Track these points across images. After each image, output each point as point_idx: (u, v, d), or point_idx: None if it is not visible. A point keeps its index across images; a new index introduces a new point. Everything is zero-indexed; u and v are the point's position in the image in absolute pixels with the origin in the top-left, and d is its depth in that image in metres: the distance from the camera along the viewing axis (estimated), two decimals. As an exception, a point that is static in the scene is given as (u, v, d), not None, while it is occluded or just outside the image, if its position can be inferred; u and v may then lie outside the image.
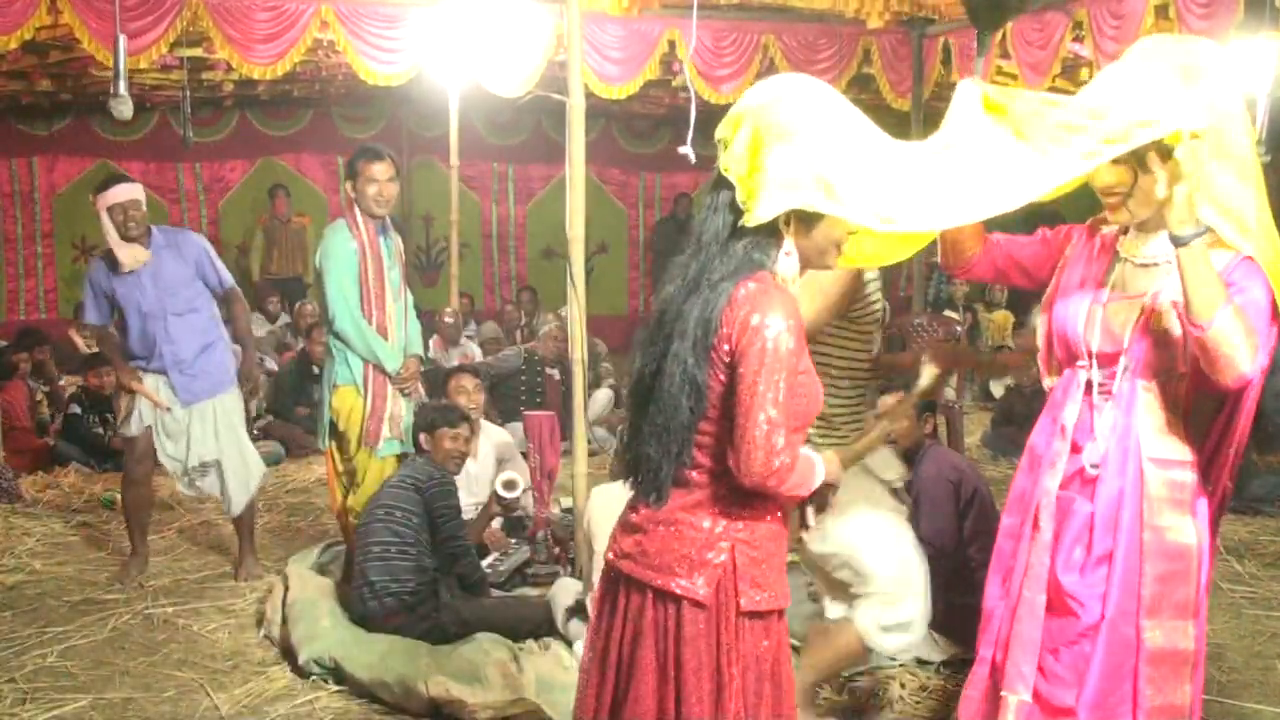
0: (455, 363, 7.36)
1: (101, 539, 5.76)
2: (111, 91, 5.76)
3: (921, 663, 4.03)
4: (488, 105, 9.05)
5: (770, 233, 2.06)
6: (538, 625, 4.20)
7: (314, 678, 3.91)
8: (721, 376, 2.04)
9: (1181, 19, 5.68)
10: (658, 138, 12.92)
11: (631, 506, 2.19)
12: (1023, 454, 2.63)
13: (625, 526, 2.20)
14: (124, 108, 5.68)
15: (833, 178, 1.99)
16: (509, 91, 7.17)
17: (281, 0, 6.73)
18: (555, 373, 7.85)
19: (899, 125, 5.99)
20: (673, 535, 2.10)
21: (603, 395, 8.11)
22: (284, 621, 4.27)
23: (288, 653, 4.12)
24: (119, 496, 6.38)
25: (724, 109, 2.15)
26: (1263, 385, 2.37)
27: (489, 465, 5.51)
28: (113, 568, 5.24)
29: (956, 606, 3.99)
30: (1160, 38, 2.43)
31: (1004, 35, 7.00)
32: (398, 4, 6.99)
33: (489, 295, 12.49)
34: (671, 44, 7.41)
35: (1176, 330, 2.31)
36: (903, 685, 3.87)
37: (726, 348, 2.02)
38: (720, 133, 2.10)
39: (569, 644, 4.07)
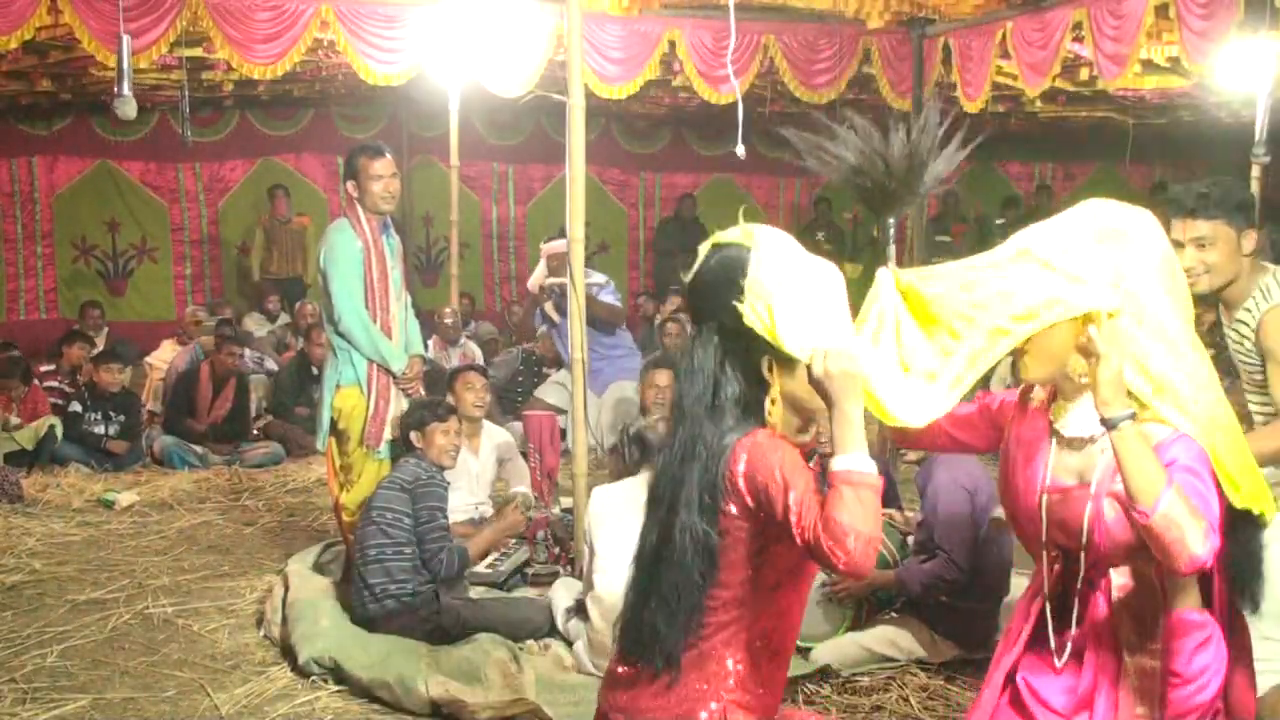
0: (455, 363, 7.35)
1: (101, 539, 5.75)
2: (115, 91, 5.76)
3: (921, 663, 4.03)
4: (488, 105, 9.05)
5: (756, 381, 2.03)
6: (538, 625, 4.21)
7: (314, 678, 3.91)
8: (737, 531, 2.00)
9: (1181, 19, 5.67)
10: (658, 138, 12.91)
11: (622, 662, 2.13)
12: (1005, 631, 2.51)
13: (615, 680, 2.14)
14: (128, 108, 5.69)
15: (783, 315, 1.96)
16: (509, 91, 7.17)
17: (282, 0, 6.73)
18: (553, 372, 7.84)
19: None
20: (666, 693, 2.05)
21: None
22: (284, 621, 4.27)
23: (288, 653, 4.12)
24: (119, 496, 6.40)
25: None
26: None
27: (490, 465, 5.51)
28: (113, 567, 5.24)
29: (961, 610, 3.99)
30: (1091, 204, 2.27)
31: (1003, 35, 7.01)
32: (398, 4, 6.99)
33: (489, 295, 12.48)
34: (672, 44, 7.41)
35: (1126, 520, 2.17)
36: (903, 685, 3.87)
37: (735, 509, 1.98)
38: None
39: (569, 644, 4.07)
